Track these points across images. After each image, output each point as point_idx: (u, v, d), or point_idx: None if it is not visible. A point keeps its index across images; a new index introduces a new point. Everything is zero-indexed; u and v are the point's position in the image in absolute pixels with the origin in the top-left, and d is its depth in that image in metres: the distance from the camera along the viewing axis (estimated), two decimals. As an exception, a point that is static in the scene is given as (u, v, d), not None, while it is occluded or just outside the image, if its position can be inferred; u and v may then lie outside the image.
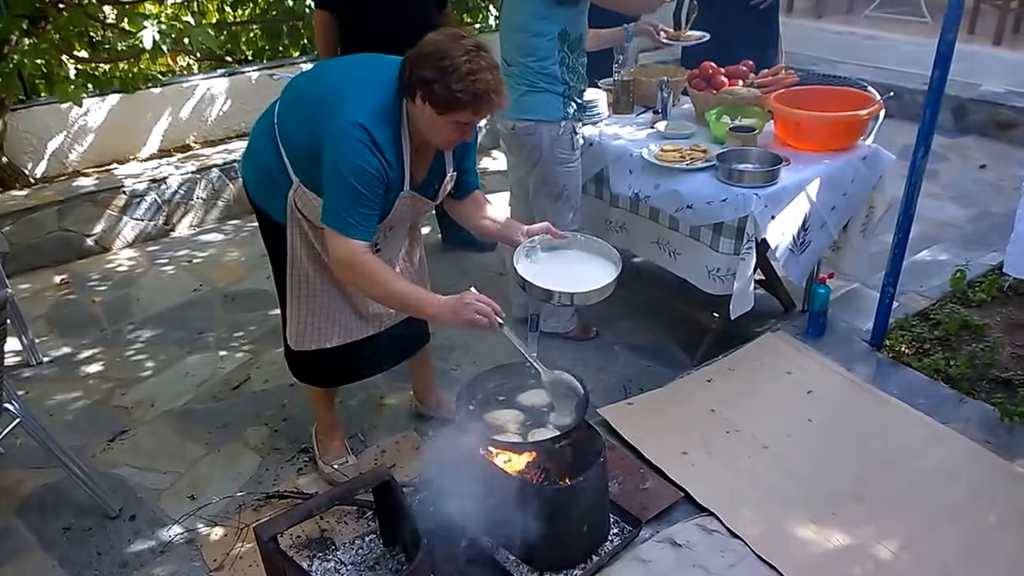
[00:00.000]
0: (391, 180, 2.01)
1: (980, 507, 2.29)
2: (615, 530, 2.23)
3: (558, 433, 2.07)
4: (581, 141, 3.01)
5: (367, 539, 2.26)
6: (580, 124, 2.99)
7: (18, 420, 2.33)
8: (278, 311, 2.48)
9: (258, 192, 2.27)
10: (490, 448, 2.11)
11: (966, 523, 2.24)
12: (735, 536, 2.21)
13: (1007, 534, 2.20)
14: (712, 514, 2.28)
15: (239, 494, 2.58)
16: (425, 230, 4.35)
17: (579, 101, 2.95)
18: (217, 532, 2.40)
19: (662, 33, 3.38)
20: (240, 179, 2.36)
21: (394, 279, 2.06)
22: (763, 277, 3.30)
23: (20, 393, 2.60)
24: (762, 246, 2.85)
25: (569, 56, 2.83)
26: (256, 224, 2.39)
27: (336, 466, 2.60)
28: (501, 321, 1.98)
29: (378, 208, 2.01)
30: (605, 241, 2.22)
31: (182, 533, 2.44)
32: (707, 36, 3.27)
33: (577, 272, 2.12)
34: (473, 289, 2.02)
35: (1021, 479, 2.38)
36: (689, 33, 3.23)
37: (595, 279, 2.07)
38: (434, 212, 4.18)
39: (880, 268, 2.99)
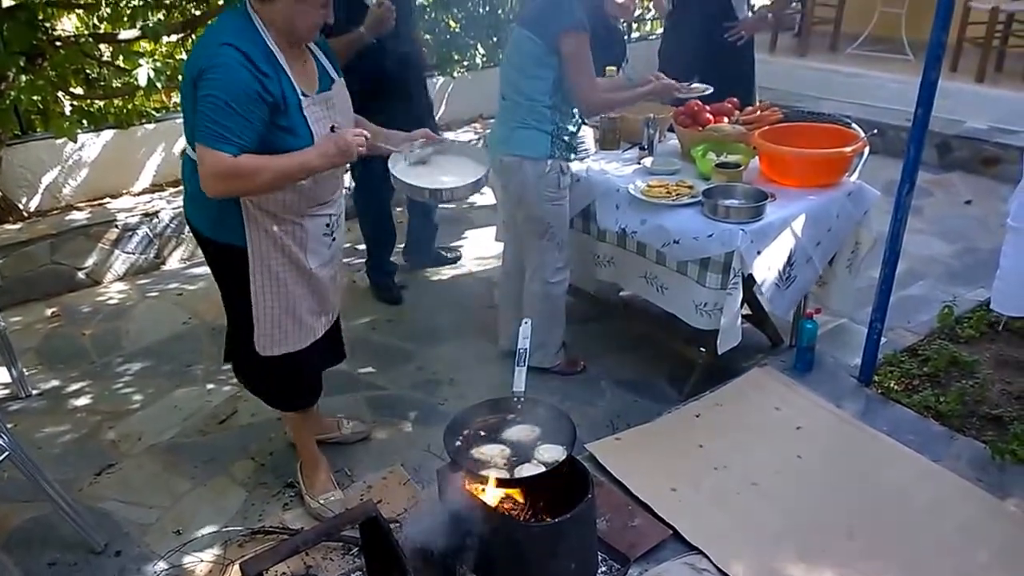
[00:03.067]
0: (277, 93, 2.02)
1: (971, 545, 2.28)
2: (603, 568, 2.21)
3: (544, 469, 2.07)
4: (569, 180, 3.04)
5: (353, 576, 2.24)
6: (568, 164, 3.02)
7: (7, 453, 2.32)
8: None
9: (194, 214, 2.30)
10: (476, 484, 2.10)
11: (956, 561, 2.23)
12: (724, 575, 2.19)
13: (998, 573, 2.19)
14: (701, 552, 2.26)
15: (225, 529, 2.55)
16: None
17: (568, 142, 2.99)
18: (202, 568, 2.38)
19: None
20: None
21: (272, 159, 2.04)
22: (750, 312, 3.32)
23: (9, 426, 2.58)
24: (749, 281, 2.87)
25: (562, 101, 2.89)
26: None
27: (322, 500, 2.58)
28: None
29: (253, 130, 1.99)
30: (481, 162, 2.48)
31: (167, 569, 2.41)
32: (711, 89, 3.34)
33: (450, 173, 2.42)
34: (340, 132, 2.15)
35: (1012, 518, 2.38)
36: (694, 85, 3.31)
37: (464, 177, 2.38)
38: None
39: (867, 303, 3.01)
